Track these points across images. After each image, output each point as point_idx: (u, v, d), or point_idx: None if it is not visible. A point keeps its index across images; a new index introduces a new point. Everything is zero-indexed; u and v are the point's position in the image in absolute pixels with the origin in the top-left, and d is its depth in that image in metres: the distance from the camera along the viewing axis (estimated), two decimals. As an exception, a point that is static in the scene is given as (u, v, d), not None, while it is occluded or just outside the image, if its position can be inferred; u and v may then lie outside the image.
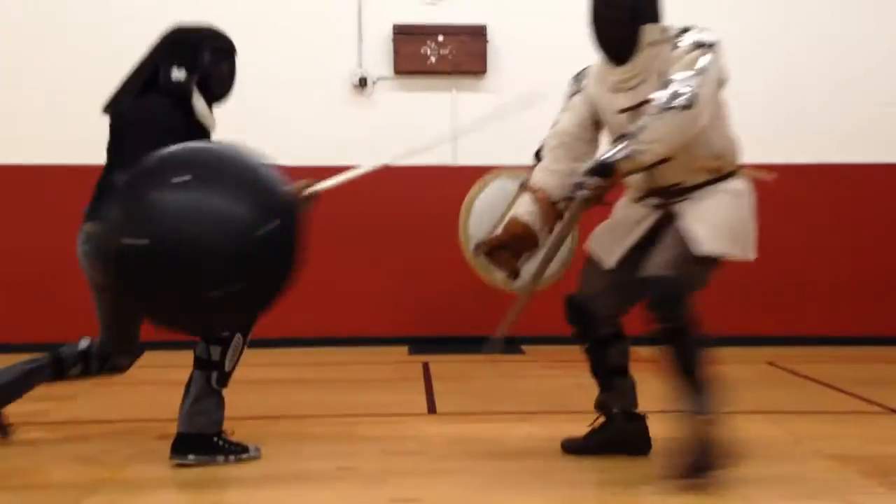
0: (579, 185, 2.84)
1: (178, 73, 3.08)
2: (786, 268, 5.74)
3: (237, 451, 3.06)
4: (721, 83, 2.85)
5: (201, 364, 3.02)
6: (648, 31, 2.83)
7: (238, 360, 3.08)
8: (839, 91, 5.80)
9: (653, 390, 4.29)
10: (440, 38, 5.73)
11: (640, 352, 5.66)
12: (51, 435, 3.42)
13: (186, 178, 2.58)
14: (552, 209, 2.99)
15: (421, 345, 5.61)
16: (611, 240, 3.08)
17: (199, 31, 3.21)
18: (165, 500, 2.65)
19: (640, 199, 3.04)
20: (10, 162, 5.59)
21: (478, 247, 3.07)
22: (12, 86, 5.61)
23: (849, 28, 5.82)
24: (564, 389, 4.33)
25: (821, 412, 3.80)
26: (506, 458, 3.06)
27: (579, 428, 3.48)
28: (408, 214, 5.76)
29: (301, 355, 5.34)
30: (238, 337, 3.04)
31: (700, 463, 2.71)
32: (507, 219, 3.03)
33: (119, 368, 3.28)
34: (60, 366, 3.23)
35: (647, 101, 2.77)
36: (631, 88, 2.88)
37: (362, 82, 5.78)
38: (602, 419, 3.15)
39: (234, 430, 3.14)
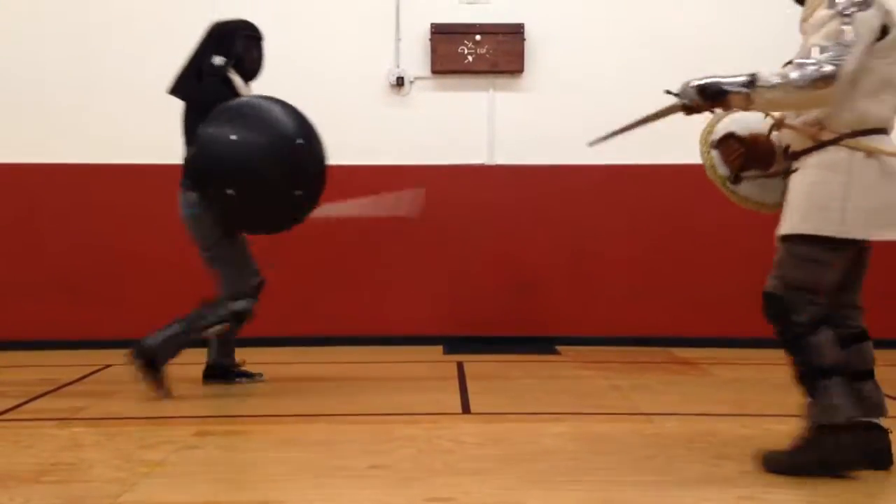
0: (682, 94, 2.81)
1: (217, 60, 4.04)
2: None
3: (160, 379, 4.00)
4: (867, 46, 2.69)
5: (193, 322, 4.02)
6: None
7: (214, 335, 4.11)
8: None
9: (683, 392, 4.28)
10: (477, 37, 5.74)
11: (675, 353, 5.64)
12: (90, 430, 3.48)
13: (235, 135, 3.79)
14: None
15: (456, 344, 5.62)
16: None
17: (233, 23, 4.15)
18: (204, 495, 2.68)
19: None
20: (50, 161, 5.70)
21: (724, 136, 3.04)
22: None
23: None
24: (598, 390, 4.31)
25: (861, 416, 3.73)
26: (540, 459, 3.05)
27: (613, 428, 3.48)
28: (443, 214, 5.77)
29: (336, 354, 5.38)
30: (226, 324, 4.08)
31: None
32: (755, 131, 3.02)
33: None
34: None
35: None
36: (804, 33, 2.83)
37: (399, 82, 5.80)
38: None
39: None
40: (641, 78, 5.74)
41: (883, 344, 5.42)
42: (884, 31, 2.72)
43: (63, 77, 5.71)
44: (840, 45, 2.64)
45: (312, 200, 4.00)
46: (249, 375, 4.40)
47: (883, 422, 2.89)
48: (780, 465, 2.87)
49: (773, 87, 2.67)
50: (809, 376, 2.82)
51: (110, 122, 5.68)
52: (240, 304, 4.04)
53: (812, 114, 2.80)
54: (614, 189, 5.74)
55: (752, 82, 2.69)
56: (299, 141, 3.88)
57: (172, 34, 5.69)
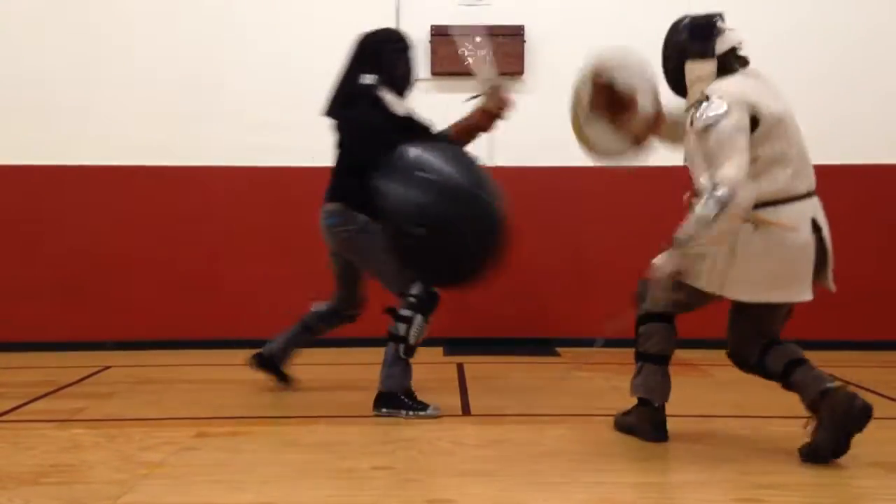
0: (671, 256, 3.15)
1: (367, 79, 3.85)
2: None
3: (417, 408, 3.72)
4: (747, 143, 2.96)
5: (392, 337, 3.76)
6: (689, 69, 3.12)
7: (421, 336, 3.75)
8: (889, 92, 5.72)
9: (683, 394, 4.28)
10: (477, 39, 5.73)
11: (675, 354, 5.62)
12: (90, 432, 3.47)
13: (430, 176, 3.57)
14: (661, 115, 3.35)
15: (456, 346, 5.61)
16: None
17: (378, 36, 4.01)
18: (203, 497, 2.68)
19: None
20: (49, 162, 5.69)
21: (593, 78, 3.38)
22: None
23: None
24: (599, 391, 4.31)
25: (862, 418, 3.73)
26: (540, 460, 3.05)
27: (614, 430, 3.47)
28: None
29: (338, 356, 5.37)
30: (419, 317, 3.71)
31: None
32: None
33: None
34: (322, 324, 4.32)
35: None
36: (692, 132, 3.13)
37: (399, 83, 5.79)
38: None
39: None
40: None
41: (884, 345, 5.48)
42: (755, 121, 2.99)
43: (62, 79, 5.70)
44: (733, 154, 2.90)
45: (493, 262, 3.77)
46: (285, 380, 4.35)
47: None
48: (620, 425, 3.44)
49: (718, 231, 2.93)
50: (638, 356, 3.36)
51: (109, 124, 5.67)
52: (416, 289, 3.75)
53: None
54: (615, 191, 5.73)
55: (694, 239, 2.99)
56: (492, 201, 3.74)
57: (173, 36, 5.74)
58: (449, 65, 5.74)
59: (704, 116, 2.97)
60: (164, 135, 5.67)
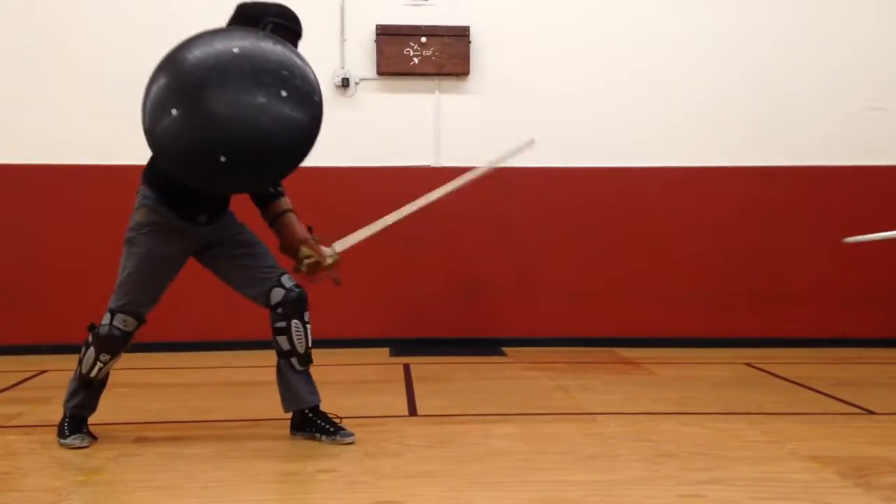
0: None
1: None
2: (765, 270, 5.79)
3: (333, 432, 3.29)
4: None
5: (281, 354, 3.38)
6: None
7: (307, 341, 3.40)
8: (823, 93, 5.85)
9: (627, 392, 4.33)
10: (423, 39, 5.73)
11: (618, 353, 5.69)
12: (26, 438, 3.38)
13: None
14: None
15: (402, 347, 5.59)
16: None
17: (261, 7, 3.25)
18: (143, 502, 2.62)
19: None
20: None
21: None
22: None
23: (829, 29, 5.87)
24: (544, 390, 4.33)
25: (798, 413, 3.82)
26: (487, 460, 3.05)
27: (559, 428, 3.50)
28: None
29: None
30: (295, 322, 3.37)
31: None
32: None
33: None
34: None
35: None
36: None
37: (345, 83, 5.76)
38: None
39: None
40: (585, 81, 5.82)
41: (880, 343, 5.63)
42: None
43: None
44: None
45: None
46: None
47: None
48: None
49: None
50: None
51: (44, 123, 5.54)
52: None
53: None
54: (558, 192, 5.79)
55: None
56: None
57: (104, 34, 5.62)
58: (395, 65, 5.73)
59: None
60: (102, 134, 5.54)
